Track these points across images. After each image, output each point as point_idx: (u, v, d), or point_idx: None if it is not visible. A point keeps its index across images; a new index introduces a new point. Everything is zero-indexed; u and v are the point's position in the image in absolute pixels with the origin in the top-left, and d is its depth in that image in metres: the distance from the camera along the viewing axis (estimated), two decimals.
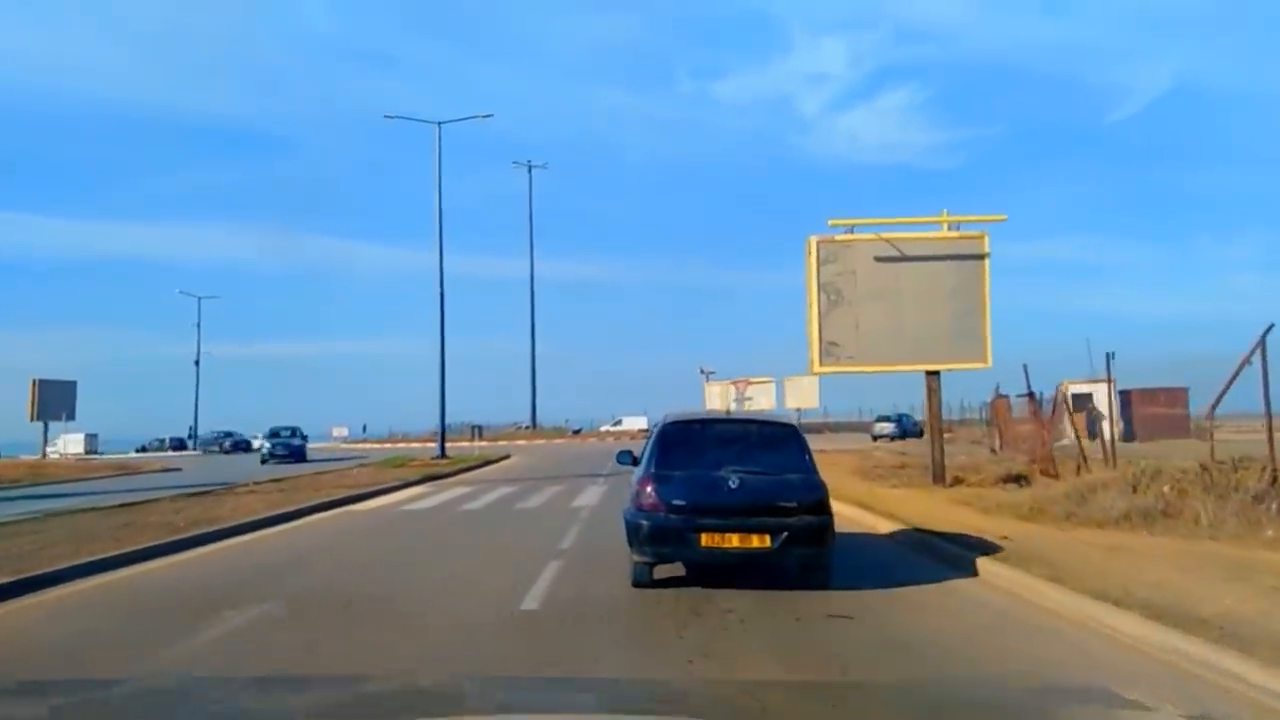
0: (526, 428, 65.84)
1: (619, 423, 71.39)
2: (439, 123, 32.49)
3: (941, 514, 12.10)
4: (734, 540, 7.06)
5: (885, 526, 11.23)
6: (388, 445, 57.49)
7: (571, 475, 22.98)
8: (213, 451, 58.87)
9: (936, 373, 17.12)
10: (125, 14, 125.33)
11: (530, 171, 68.15)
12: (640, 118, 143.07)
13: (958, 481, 17.01)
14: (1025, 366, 17.35)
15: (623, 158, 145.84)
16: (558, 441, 57.07)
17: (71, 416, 56.90)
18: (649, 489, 7.33)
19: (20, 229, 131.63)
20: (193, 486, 20.11)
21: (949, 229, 16.94)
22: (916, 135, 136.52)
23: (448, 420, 37.77)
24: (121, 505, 14.76)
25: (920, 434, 47.51)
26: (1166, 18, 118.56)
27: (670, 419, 8.33)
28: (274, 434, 39.44)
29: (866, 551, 9.60)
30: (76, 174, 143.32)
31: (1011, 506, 12.17)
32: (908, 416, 49.70)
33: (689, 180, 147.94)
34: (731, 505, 7.12)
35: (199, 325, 71.31)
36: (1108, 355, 17.33)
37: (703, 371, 76.17)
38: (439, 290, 32.48)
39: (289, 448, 37.11)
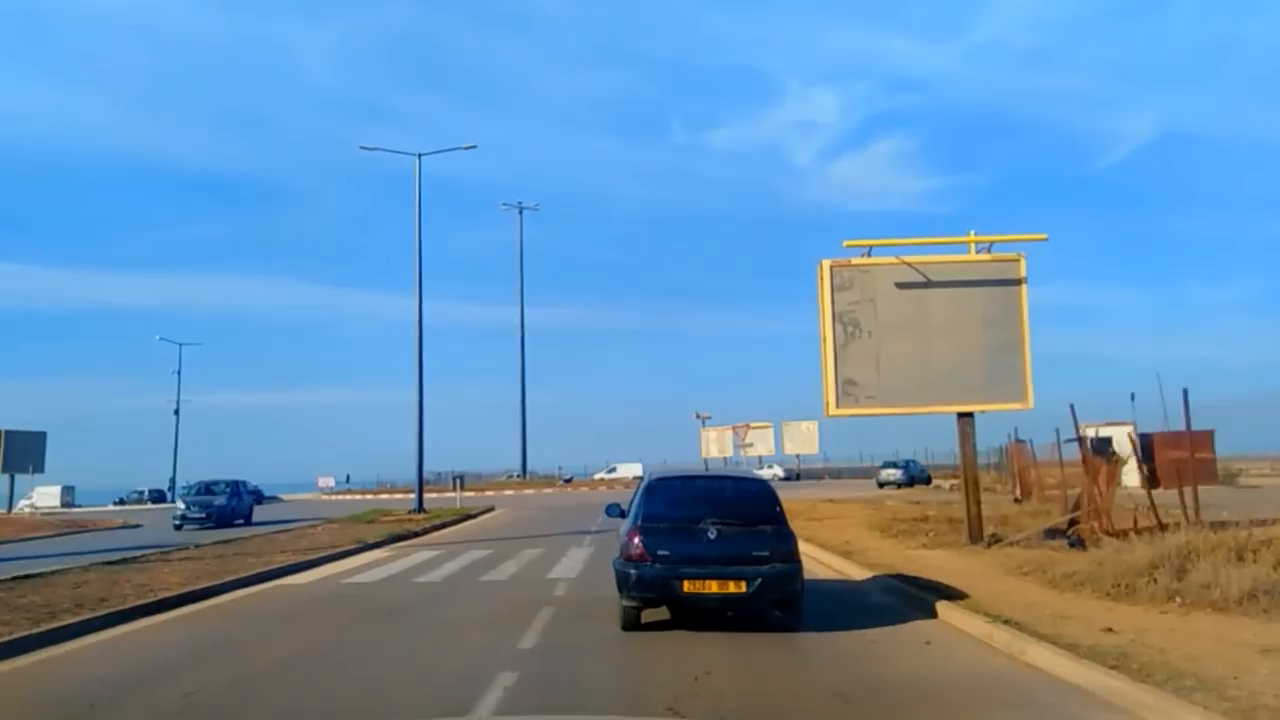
0: (516, 477, 63.18)
1: (613, 470, 68.66)
2: (418, 154, 30.67)
3: (1003, 590, 9.77)
4: (713, 586, 7.73)
5: (954, 616, 8.68)
6: (370, 496, 54.89)
7: (555, 533, 20.56)
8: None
9: (970, 415, 14.89)
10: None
11: (521, 213, 66.65)
12: (635, 167, 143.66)
13: (995, 540, 14.68)
14: (1073, 407, 15.17)
15: (617, 207, 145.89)
16: (548, 491, 54.45)
17: (40, 469, 54.31)
18: (636, 540, 7.95)
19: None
20: (135, 549, 17.81)
21: (976, 249, 14.85)
22: (907, 182, 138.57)
23: (436, 469, 35.77)
24: (16, 578, 12.39)
25: (928, 481, 45.18)
26: (1150, 67, 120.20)
27: (655, 476, 9.18)
28: (196, 490, 29.99)
29: (947, 657, 7.19)
30: (63, 224, 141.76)
31: (1085, 579, 9.84)
32: (915, 463, 47.42)
33: (683, 228, 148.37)
34: (710, 555, 7.81)
35: (179, 373, 69.04)
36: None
37: (698, 417, 74.15)
38: (417, 331, 30.36)
39: (208, 509, 28.18)
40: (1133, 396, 17.39)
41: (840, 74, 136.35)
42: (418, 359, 30.23)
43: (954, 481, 45.45)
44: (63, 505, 65.87)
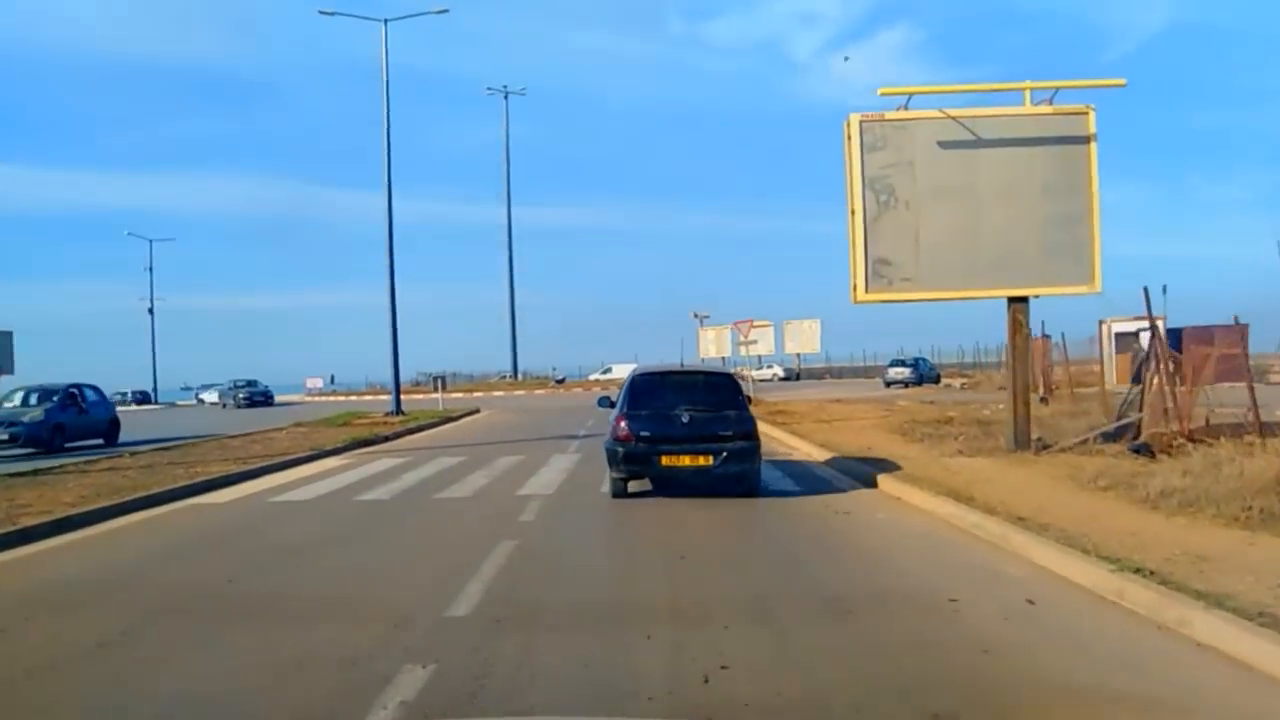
0: (508, 378, 61.15)
1: (608, 371, 66.71)
2: (385, 20, 27.26)
3: (1087, 512, 7.64)
4: (685, 460, 9.29)
5: (1051, 559, 6.40)
6: (355, 398, 52.92)
7: (539, 438, 18.50)
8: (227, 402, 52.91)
9: (1024, 299, 12.56)
10: None
11: (506, 98, 62.40)
12: (628, 61, 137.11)
13: (1043, 446, 12.57)
14: (1146, 290, 12.76)
15: (611, 102, 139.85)
16: (539, 393, 52.36)
17: (10, 370, 52.46)
18: (623, 424, 9.48)
19: None
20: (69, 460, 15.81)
21: (1034, 100, 12.20)
22: (912, 76, 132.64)
23: (428, 370, 33.69)
24: None
25: (937, 380, 43.13)
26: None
27: (638, 371, 10.79)
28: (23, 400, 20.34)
29: (1049, 624, 5.06)
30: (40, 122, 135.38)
31: (1194, 497, 7.69)
32: (924, 360, 45.27)
33: (679, 124, 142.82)
34: (683, 435, 9.38)
35: (151, 269, 66.18)
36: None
37: (695, 316, 71.67)
38: (387, 222, 27.57)
39: (14, 427, 19.09)
40: (1164, 289, 15.23)
41: None
42: (388, 252, 27.63)
43: (964, 380, 43.43)
44: None
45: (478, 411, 30.30)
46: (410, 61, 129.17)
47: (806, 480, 11.00)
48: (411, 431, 21.79)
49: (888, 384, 40.88)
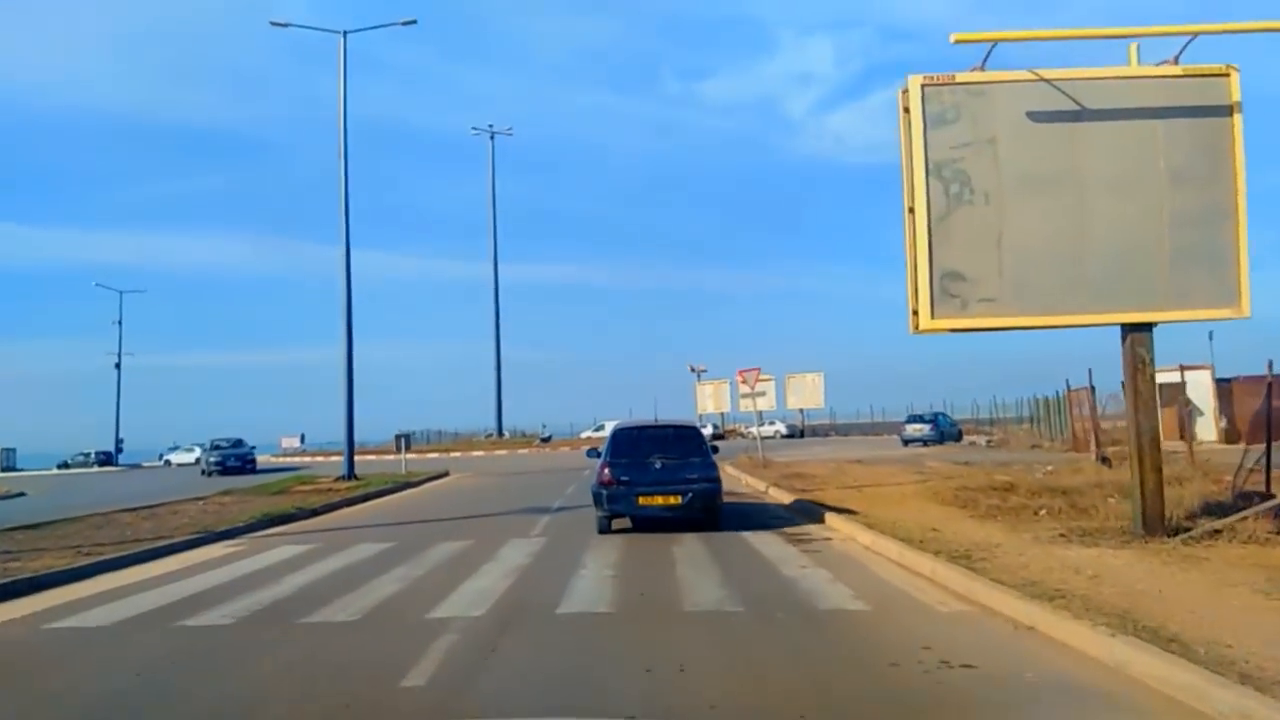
0: (490, 436, 57.09)
1: (601, 428, 62.96)
2: (344, 32, 24.30)
3: None
4: (658, 500, 11.01)
5: None
6: (321, 458, 48.69)
7: (503, 511, 14.87)
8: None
9: (1148, 327, 9.14)
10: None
11: (492, 139, 59.41)
12: (625, 119, 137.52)
13: (1178, 529, 9.03)
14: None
15: (608, 160, 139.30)
16: (522, 452, 48.48)
17: None
18: (606, 471, 11.27)
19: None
20: None
21: (1147, 62, 9.00)
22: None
23: (406, 428, 30.25)
24: None
25: (959, 436, 39.48)
26: (1151, 17, 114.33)
27: (619, 426, 12.94)
28: None
29: None
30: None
31: None
32: (944, 416, 41.57)
33: (675, 182, 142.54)
34: (655, 479, 11.11)
35: (120, 322, 62.75)
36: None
37: (693, 370, 68.27)
38: (345, 270, 24.16)
39: None
40: (1210, 335, 11.98)
41: (836, 23, 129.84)
42: (345, 301, 24.21)
43: (988, 437, 39.63)
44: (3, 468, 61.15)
45: (445, 475, 26.56)
46: (406, 117, 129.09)
47: (879, 597, 7.24)
48: (354, 502, 18.11)
49: (906, 442, 37.23)
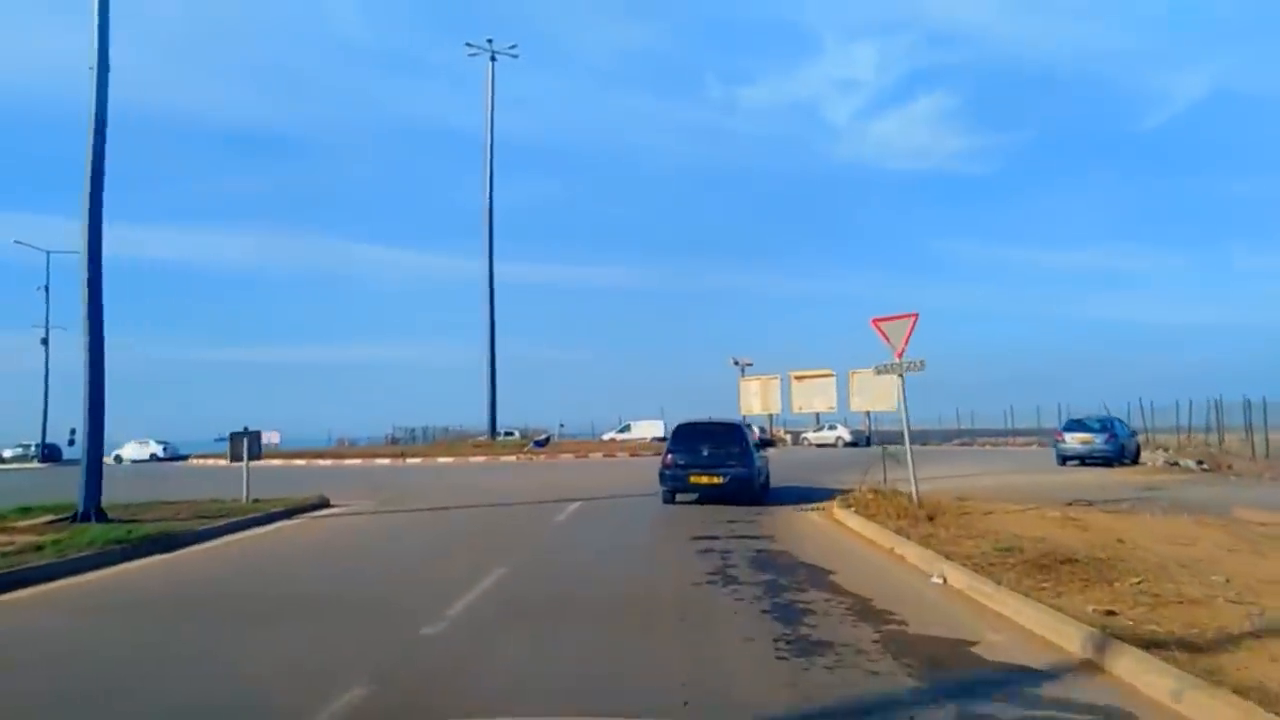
0: (481, 440, 46.41)
1: (626, 428, 52.12)
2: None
3: None
4: (705, 479, 15.09)
5: None
6: (277, 462, 38.33)
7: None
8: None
9: None
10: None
11: (493, 59, 44.53)
12: (667, 123, 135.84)
13: None
14: None
15: (649, 163, 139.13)
16: (507, 459, 36.84)
17: None
18: (669, 457, 15.53)
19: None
20: None
21: None
22: (947, 141, 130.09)
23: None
24: None
25: (1137, 454, 27.69)
26: (1204, 22, 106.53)
27: (681, 423, 16.43)
28: None
29: None
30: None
31: None
32: (1120, 422, 29.30)
33: (716, 186, 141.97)
34: (704, 463, 15.16)
35: (46, 288, 53.30)
36: None
37: (736, 363, 57.34)
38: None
39: None
40: None
41: (880, 28, 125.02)
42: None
43: (1200, 460, 26.73)
44: None
45: (324, 506, 16.27)
46: (445, 116, 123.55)
47: None
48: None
49: (1063, 459, 26.44)
